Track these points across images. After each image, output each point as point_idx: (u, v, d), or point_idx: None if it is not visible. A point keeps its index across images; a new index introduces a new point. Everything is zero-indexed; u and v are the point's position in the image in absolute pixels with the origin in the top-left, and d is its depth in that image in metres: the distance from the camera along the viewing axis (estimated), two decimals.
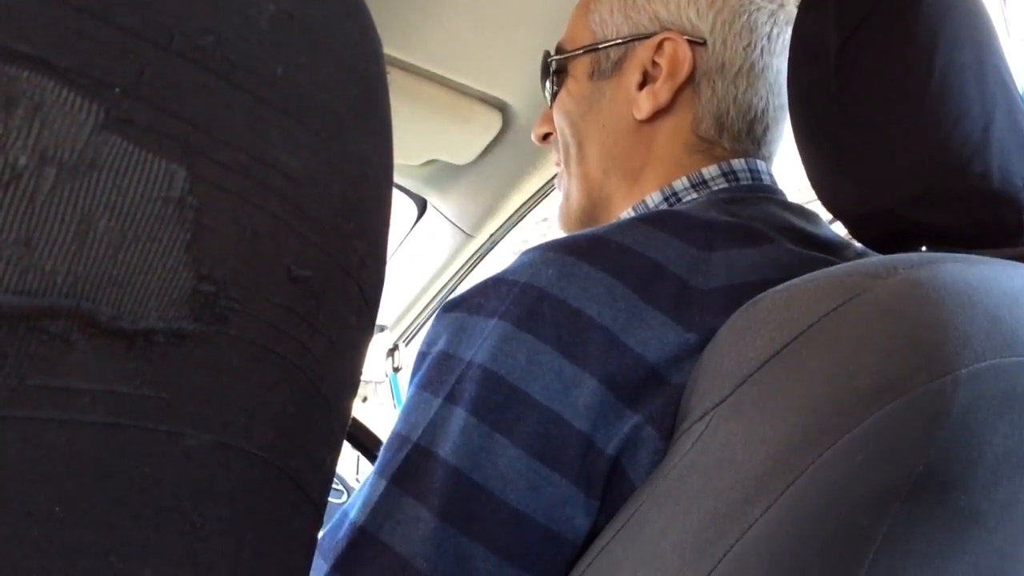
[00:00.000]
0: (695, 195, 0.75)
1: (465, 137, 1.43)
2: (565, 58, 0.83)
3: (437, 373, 0.61)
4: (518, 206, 1.63)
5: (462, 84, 1.30)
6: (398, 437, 0.60)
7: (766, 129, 0.78)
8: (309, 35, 0.29)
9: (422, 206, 1.72)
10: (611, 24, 0.80)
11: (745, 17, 0.76)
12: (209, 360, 0.25)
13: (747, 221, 0.68)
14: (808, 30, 0.71)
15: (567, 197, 0.86)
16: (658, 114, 0.77)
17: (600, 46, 0.80)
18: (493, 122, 1.40)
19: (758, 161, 0.78)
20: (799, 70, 0.72)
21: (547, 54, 0.85)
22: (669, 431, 0.58)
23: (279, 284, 0.27)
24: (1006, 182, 0.64)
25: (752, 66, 0.76)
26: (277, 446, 0.28)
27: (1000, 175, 0.64)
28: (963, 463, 0.54)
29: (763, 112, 0.77)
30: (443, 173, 1.58)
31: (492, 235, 1.69)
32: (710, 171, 0.75)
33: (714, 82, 0.76)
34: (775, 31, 0.77)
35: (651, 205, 0.76)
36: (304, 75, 0.28)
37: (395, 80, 1.23)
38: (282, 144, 0.27)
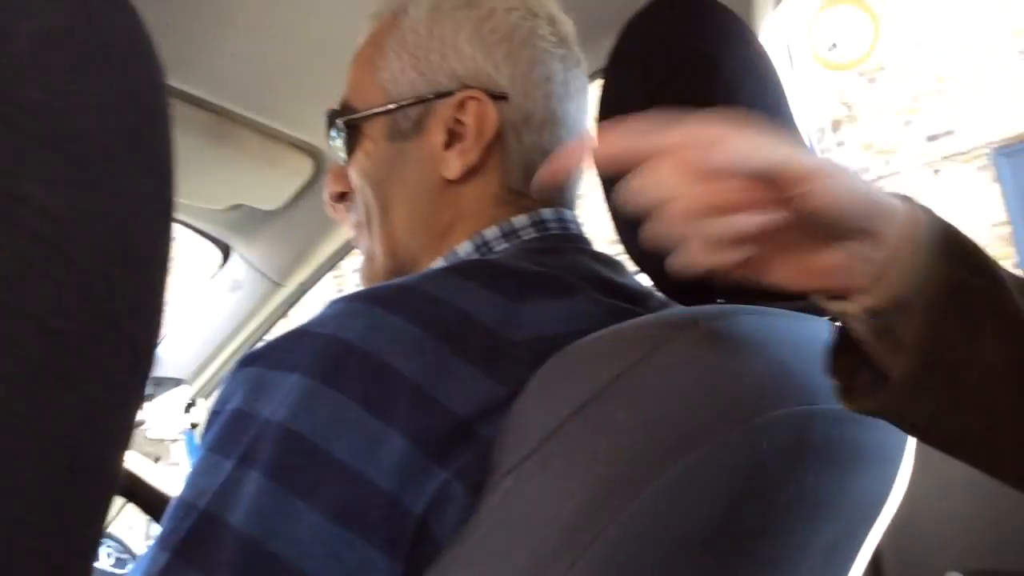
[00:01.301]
0: (506, 244, 0.74)
1: (274, 182, 1.39)
2: (357, 118, 0.79)
3: (230, 433, 0.57)
4: (329, 254, 1.59)
5: (272, 128, 1.27)
6: (183, 504, 0.56)
7: (568, 175, 0.79)
8: (78, 59, 0.26)
9: (226, 252, 1.65)
10: (405, 82, 0.76)
11: (541, 67, 0.76)
12: None
13: (556, 271, 0.68)
14: (615, 87, 0.74)
15: (371, 258, 0.82)
16: (468, 173, 0.75)
17: (397, 106, 0.77)
18: (304, 167, 1.37)
19: (565, 210, 0.78)
20: (606, 125, 0.74)
21: (334, 113, 0.81)
22: (477, 487, 0.56)
23: (29, 337, 0.23)
24: None
25: (553, 114, 0.76)
26: (26, 524, 0.24)
27: None
28: (760, 511, 0.56)
29: None
30: (250, 218, 1.52)
31: (302, 283, 1.64)
32: (520, 220, 0.75)
33: (520, 134, 0.75)
34: (567, 76, 0.78)
35: (462, 254, 0.75)
36: (69, 103, 0.25)
37: (201, 121, 1.18)
38: (38, 178, 0.24)
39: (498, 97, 0.75)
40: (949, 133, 6.93)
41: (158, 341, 0.31)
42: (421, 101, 0.76)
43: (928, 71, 7.04)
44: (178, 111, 1.15)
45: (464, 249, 0.75)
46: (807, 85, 7.05)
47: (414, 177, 0.77)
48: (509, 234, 0.74)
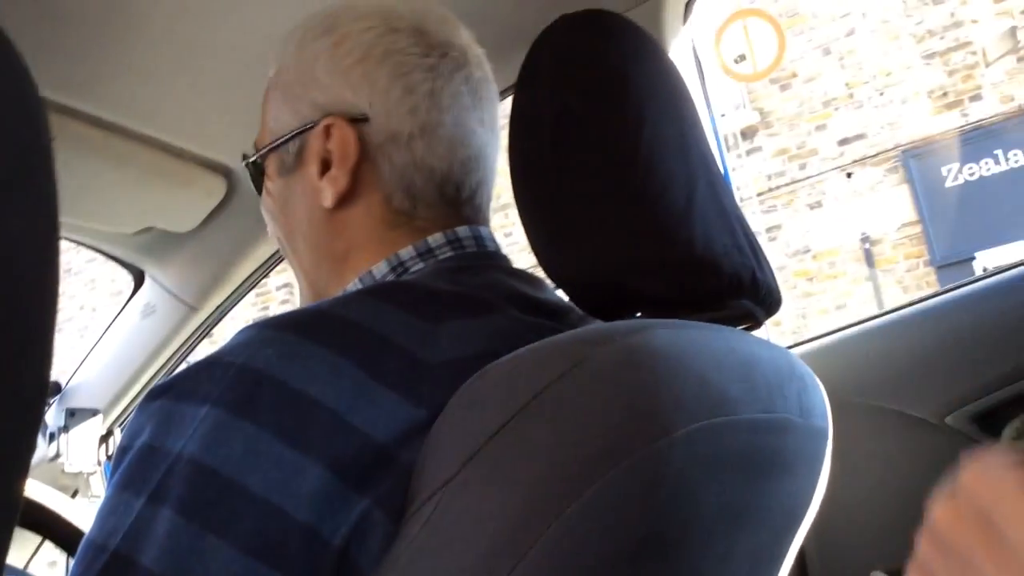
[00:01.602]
0: (422, 264, 0.74)
1: (186, 203, 1.35)
2: (253, 160, 0.82)
3: (140, 470, 0.55)
4: (247, 275, 1.56)
5: (181, 148, 1.23)
6: (92, 546, 0.54)
7: (458, 187, 0.76)
8: None
9: (139, 277, 1.60)
10: (282, 120, 0.78)
11: (401, 82, 0.74)
12: None
13: (473, 290, 0.67)
14: (525, 104, 0.74)
15: (302, 291, 0.84)
16: (344, 199, 0.75)
17: (278, 142, 0.78)
18: (217, 187, 1.34)
19: (481, 227, 0.78)
20: (518, 143, 0.74)
21: (244, 156, 0.84)
22: (399, 513, 0.55)
23: None
24: (709, 249, 0.68)
25: (423, 128, 0.74)
26: None
27: (703, 243, 0.68)
28: (682, 523, 0.56)
29: (448, 170, 0.75)
30: (163, 241, 1.48)
31: (219, 306, 1.60)
32: (435, 239, 0.74)
33: (390, 155, 0.74)
34: (438, 84, 0.75)
35: (377, 275, 0.74)
36: None
37: (104, 142, 1.14)
38: None
39: (359, 120, 0.74)
40: (860, 137, 7.15)
41: (46, 380, 0.30)
42: (293, 135, 0.77)
43: (838, 77, 7.25)
44: (79, 132, 1.11)
45: (380, 270, 0.74)
46: (719, 95, 7.22)
47: (302, 209, 0.78)
48: (424, 253, 0.74)
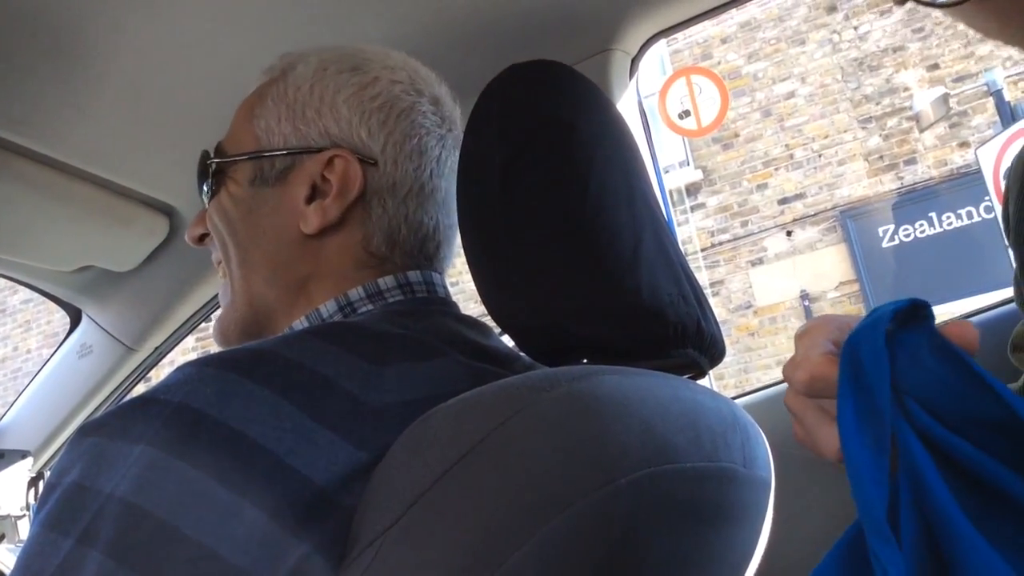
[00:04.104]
0: (370, 306, 0.74)
1: (126, 242, 1.32)
2: (226, 161, 0.80)
3: (68, 509, 0.53)
4: (187, 317, 1.53)
5: (122, 186, 1.21)
6: None
7: (438, 246, 0.79)
8: None
9: (76, 316, 1.56)
10: (278, 133, 0.77)
11: (416, 140, 0.77)
12: None
13: (419, 334, 0.67)
14: (474, 150, 0.74)
15: (230, 305, 0.81)
16: (327, 230, 0.75)
17: (265, 154, 0.77)
18: (159, 227, 1.31)
19: (433, 273, 0.78)
20: (467, 188, 0.74)
21: (206, 154, 0.81)
22: (339, 559, 0.54)
23: None
24: (655, 297, 0.69)
25: (422, 187, 0.77)
26: None
27: (649, 291, 0.68)
28: (627, 570, 0.55)
29: (434, 231, 0.78)
30: (101, 281, 1.45)
31: (158, 348, 1.57)
32: (386, 282, 0.75)
33: (385, 201, 0.76)
34: (444, 154, 0.79)
35: (325, 315, 0.74)
36: None
37: (43, 179, 1.11)
38: None
39: (367, 161, 0.75)
40: (799, 196, 7.33)
41: None
42: (290, 153, 0.76)
43: (778, 139, 7.44)
44: (18, 168, 1.09)
45: (328, 309, 0.73)
46: (664, 152, 7.36)
47: (272, 225, 0.77)
48: (374, 295, 0.74)
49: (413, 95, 0.78)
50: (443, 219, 0.79)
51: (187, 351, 8.04)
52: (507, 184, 0.70)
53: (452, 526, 0.51)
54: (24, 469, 1.53)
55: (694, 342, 0.71)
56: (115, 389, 1.59)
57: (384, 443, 0.57)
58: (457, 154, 0.78)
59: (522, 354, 0.75)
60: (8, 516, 1.55)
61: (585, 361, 0.71)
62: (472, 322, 0.75)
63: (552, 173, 0.70)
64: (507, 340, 0.76)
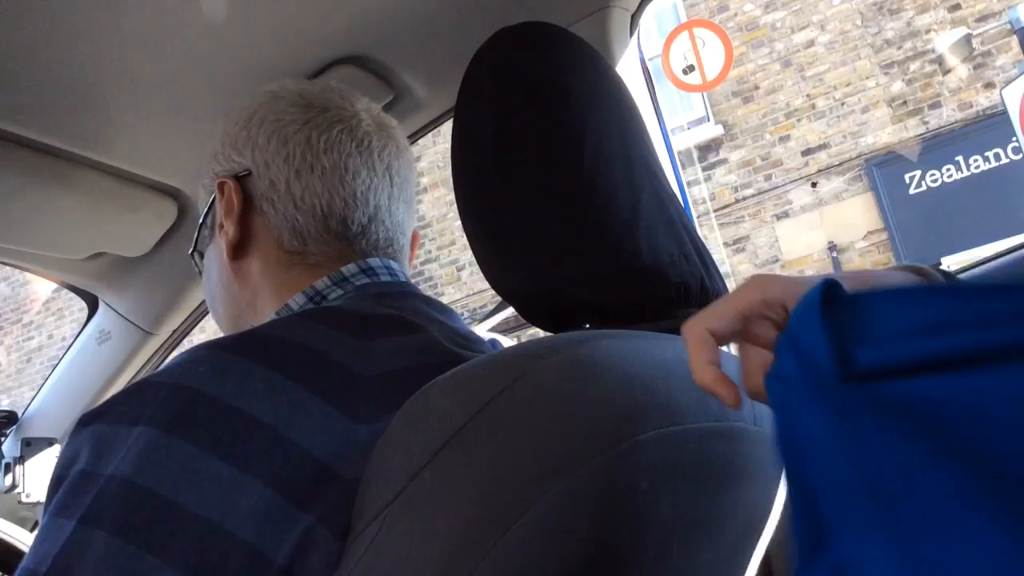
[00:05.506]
0: (340, 292, 0.76)
1: (136, 228, 1.33)
2: (194, 251, 0.89)
3: (72, 495, 0.54)
4: (203, 298, 1.53)
5: (127, 171, 1.21)
6: (26, 572, 0.53)
7: (344, 221, 0.79)
8: None
9: (93, 303, 1.57)
10: (202, 199, 0.86)
11: (276, 136, 0.79)
12: None
13: (400, 312, 0.69)
14: (467, 116, 0.73)
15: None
16: (238, 249, 0.80)
17: (200, 222, 0.85)
18: (167, 211, 1.31)
19: (391, 261, 0.81)
20: (461, 156, 0.73)
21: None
22: (343, 531, 0.54)
23: None
24: (655, 259, 0.67)
25: (298, 170, 0.78)
26: None
27: (649, 253, 0.67)
28: (633, 535, 0.55)
29: (330, 206, 0.78)
30: (115, 267, 1.45)
31: (176, 330, 1.58)
32: (349, 269, 0.77)
33: (272, 200, 0.78)
34: (314, 134, 0.79)
35: (295, 307, 0.76)
36: None
37: (49, 167, 1.12)
38: None
39: (242, 176, 0.80)
40: (823, 147, 7.22)
41: None
42: (208, 208, 0.84)
43: (799, 89, 7.33)
44: (26, 159, 1.09)
45: (297, 301, 0.76)
46: (682, 109, 7.27)
47: (215, 270, 0.85)
48: (340, 282, 0.77)
49: (271, 103, 0.81)
50: (335, 192, 0.79)
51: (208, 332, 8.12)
52: (501, 150, 0.69)
53: (454, 496, 0.51)
54: (52, 457, 1.56)
55: (699, 301, 0.70)
56: (136, 374, 1.61)
57: (378, 414, 0.58)
58: (337, 128, 0.80)
59: (484, 339, 0.78)
60: (39, 503, 1.59)
61: (588, 326, 0.70)
62: (440, 306, 0.78)
63: (546, 137, 0.69)
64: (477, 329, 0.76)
